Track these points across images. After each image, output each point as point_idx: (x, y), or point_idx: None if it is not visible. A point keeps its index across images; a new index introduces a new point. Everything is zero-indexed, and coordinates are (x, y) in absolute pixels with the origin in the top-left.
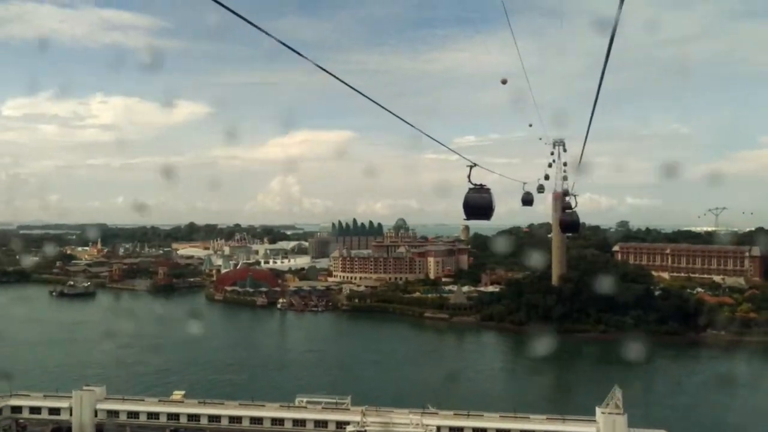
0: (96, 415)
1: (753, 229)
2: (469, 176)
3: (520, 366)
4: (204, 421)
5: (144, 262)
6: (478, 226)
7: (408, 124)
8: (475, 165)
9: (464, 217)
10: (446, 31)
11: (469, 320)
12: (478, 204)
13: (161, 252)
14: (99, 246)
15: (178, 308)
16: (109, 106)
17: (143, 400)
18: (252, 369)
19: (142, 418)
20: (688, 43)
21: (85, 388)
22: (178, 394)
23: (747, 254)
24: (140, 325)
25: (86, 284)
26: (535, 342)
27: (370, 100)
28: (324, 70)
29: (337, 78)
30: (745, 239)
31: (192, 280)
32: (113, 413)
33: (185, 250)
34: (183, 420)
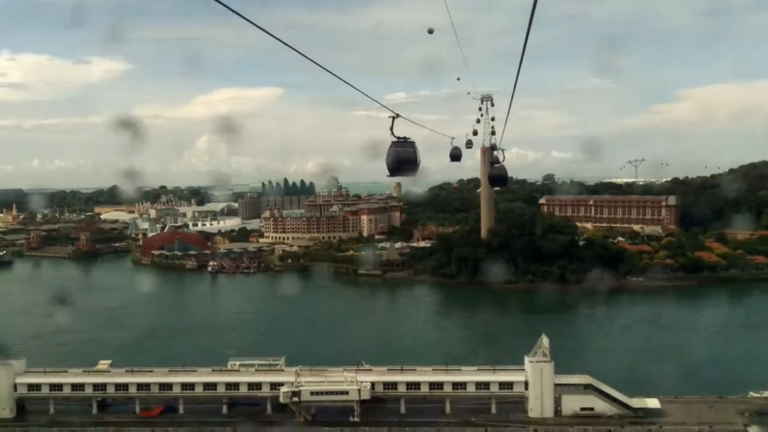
0: (16, 390)
1: (669, 179)
2: (391, 128)
3: (452, 318)
4: (133, 390)
5: (65, 227)
6: (410, 183)
7: (339, 78)
8: (398, 116)
9: (387, 173)
10: None
11: (402, 276)
12: (402, 158)
13: (83, 217)
14: (14, 212)
15: (102, 274)
16: (17, 63)
17: (66, 372)
18: (182, 333)
19: (66, 390)
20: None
21: (2, 361)
22: (104, 364)
23: (664, 204)
24: (62, 294)
25: (1, 253)
26: (465, 294)
27: (300, 54)
28: (254, 24)
29: (267, 32)
30: (662, 189)
31: (117, 245)
32: (34, 387)
33: (109, 214)
34: (110, 390)
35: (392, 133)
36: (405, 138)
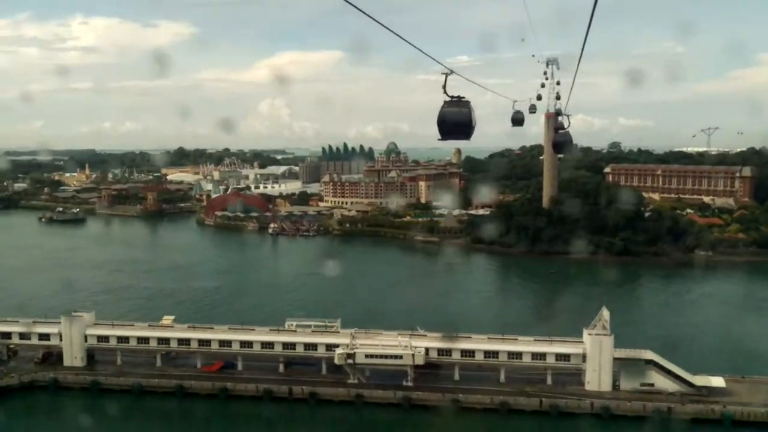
0: (86, 341)
1: (744, 149)
2: (444, 87)
3: (510, 288)
4: (194, 345)
5: (134, 187)
6: (470, 149)
7: (403, 39)
8: (451, 72)
9: (439, 136)
10: None
11: (460, 243)
12: (455, 120)
13: (151, 177)
14: (87, 172)
15: (168, 234)
16: (89, 27)
17: (133, 325)
18: (243, 293)
19: (132, 343)
20: None
21: (74, 314)
22: (168, 319)
23: (738, 175)
24: (131, 251)
25: (75, 210)
26: (524, 264)
27: (364, 12)
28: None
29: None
30: (736, 159)
31: (182, 205)
32: (103, 338)
33: (175, 176)
34: (173, 344)
35: (445, 92)
36: (459, 97)
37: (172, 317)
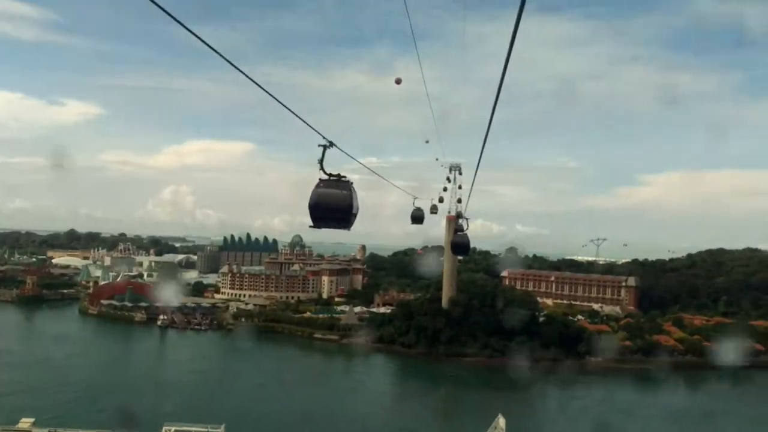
0: None
1: (629, 260)
2: (320, 162)
3: (407, 390)
4: None
5: (12, 270)
6: (374, 245)
7: (320, 135)
8: (331, 144)
9: (310, 223)
10: (352, 51)
11: (360, 342)
12: (332, 204)
13: (34, 260)
14: None
15: (45, 322)
16: None
17: None
18: (120, 391)
19: None
20: (577, 81)
21: None
22: (26, 422)
23: (624, 284)
24: None
25: None
26: (422, 366)
27: (283, 105)
28: (247, 76)
29: (258, 85)
30: (622, 270)
31: (66, 291)
32: None
33: (62, 259)
34: None
35: (321, 168)
36: (339, 176)
37: (32, 419)
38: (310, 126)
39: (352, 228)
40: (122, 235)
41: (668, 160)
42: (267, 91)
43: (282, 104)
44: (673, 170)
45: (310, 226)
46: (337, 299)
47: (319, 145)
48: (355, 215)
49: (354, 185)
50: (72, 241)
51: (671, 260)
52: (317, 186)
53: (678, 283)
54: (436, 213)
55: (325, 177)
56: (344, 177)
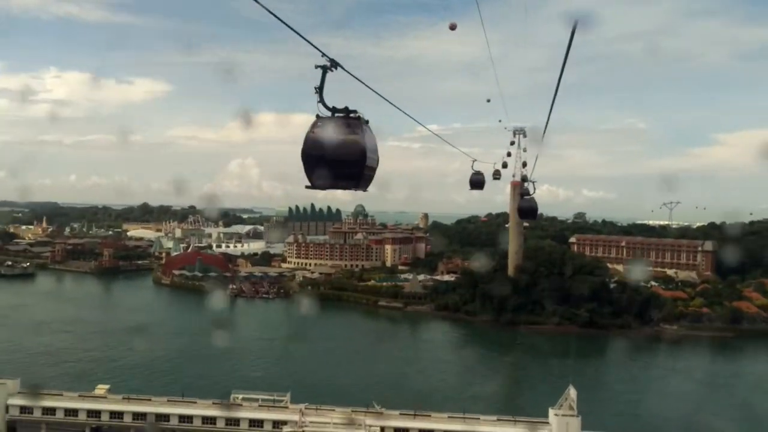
0: (7, 411)
1: (705, 224)
2: (319, 90)
3: (473, 360)
4: (128, 419)
5: (90, 242)
6: (437, 214)
7: (389, 102)
8: (336, 65)
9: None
10: (409, 18)
11: (424, 309)
12: (336, 152)
13: (110, 233)
14: (44, 225)
15: (122, 292)
16: (63, 81)
17: (62, 395)
18: (191, 358)
19: (59, 415)
20: (646, 38)
21: None
22: (102, 388)
23: (700, 249)
24: (80, 310)
25: (25, 265)
26: (488, 334)
27: (348, 72)
28: (311, 44)
29: (320, 52)
30: (697, 234)
31: (140, 262)
32: (27, 409)
33: (136, 232)
34: (105, 417)
35: (320, 101)
36: (347, 110)
37: (107, 386)
38: (307, 41)
39: (370, 189)
40: (192, 207)
41: (743, 118)
42: (334, 60)
43: (349, 72)
44: (750, 129)
45: (307, 187)
46: (400, 267)
47: (317, 66)
48: (371, 169)
49: (370, 125)
50: (145, 214)
51: (751, 223)
52: (313, 126)
53: (759, 246)
54: (499, 179)
55: (327, 114)
56: (355, 112)
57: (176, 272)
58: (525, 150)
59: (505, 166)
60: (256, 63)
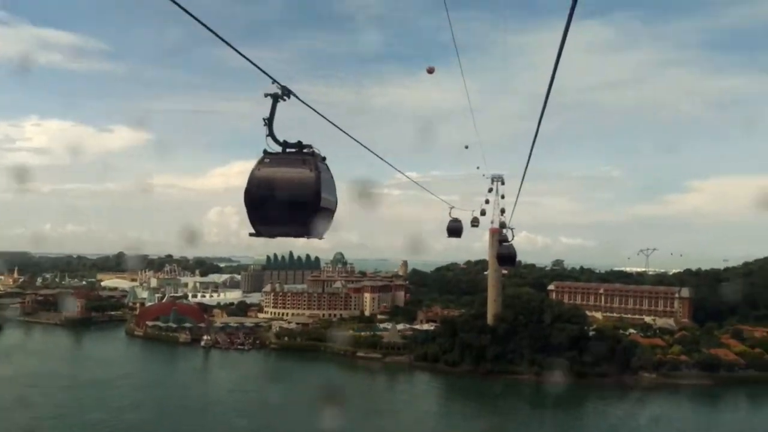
0: None
1: (681, 270)
2: (268, 122)
3: (452, 410)
4: None
5: (63, 293)
6: (416, 262)
7: (370, 151)
8: (288, 93)
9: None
10: (390, 67)
11: (403, 360)
12: (284, 192)
13: (84, 283)
14: (15, 275)
15: (91, 345)
16: (43, 129)
17: None
18: (161, 412)
19: None
20: (620, 88)
21: None
22: None
23: (677, 295)
24: (47, 364)
25: None
26: (468, 384)
27: (329, 122)
28: (261, 70)
29: (305, 103)
30: (674, 280)
31: (113, 313)
32: None
33: (111, 282)
34: None
35: (269, 134)
36: (299, 145)
37: None
38: (257, 66)
39: (333, 235)
40: (169, 256)
41: (716, 165)
42: (321, 114)
43: (333, 124)
44: (723, 175)
45: (251, 234)
46: (379, 316)
47: (266, 95)
48: (327, 213)
49: (327, 162)
50: (121, 263)
51: (726, 270)
52: (260, 163)
53: (735, 293)
54: (477, 226)
55: (277, 149)
56: (310, 147)
57: (150, 323)
58: (503, 197)
59: (483, 213)
60: (235, 112)
